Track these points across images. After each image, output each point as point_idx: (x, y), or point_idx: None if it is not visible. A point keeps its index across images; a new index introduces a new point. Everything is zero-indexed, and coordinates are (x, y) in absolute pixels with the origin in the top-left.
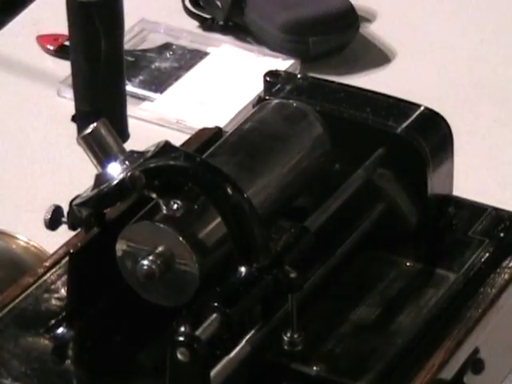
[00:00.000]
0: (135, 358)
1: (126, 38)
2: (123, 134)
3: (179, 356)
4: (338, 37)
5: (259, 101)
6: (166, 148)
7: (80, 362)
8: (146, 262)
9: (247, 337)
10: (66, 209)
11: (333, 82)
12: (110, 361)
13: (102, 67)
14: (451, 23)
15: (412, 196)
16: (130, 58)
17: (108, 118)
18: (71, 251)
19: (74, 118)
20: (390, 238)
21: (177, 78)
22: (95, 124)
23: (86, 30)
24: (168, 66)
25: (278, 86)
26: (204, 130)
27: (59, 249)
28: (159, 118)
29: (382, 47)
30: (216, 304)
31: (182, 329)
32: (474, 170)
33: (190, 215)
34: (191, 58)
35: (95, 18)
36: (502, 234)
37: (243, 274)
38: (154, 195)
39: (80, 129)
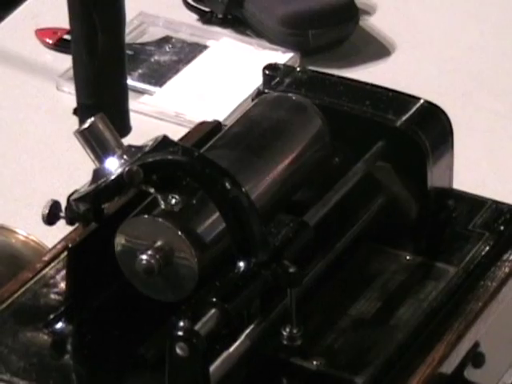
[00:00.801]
0: (134, 352)
1: (125, 31)
2: (125, 127)
3: (178, 351)
4: (337, 30)
5: (258, 94)
6: (164, 142)
7: (79, 356)
8: (144, 257)
9: (246, 332)
10: (64, 203)
11: (332, 75)
12: (108, 355)
13: (103, 60)
14: (451, 16)
15: (412, 189)
16: (129, 52)
17: (110, 111)
18: (70, 246)
19: (75, 112)
20: (389, 231)
21: (176, 72)
22: (92, 119)
23: (87, 24)
24: (167, 59)
25: (277, 79)
26: (203, 123)
27: (58, 243)
28: (158, 112)
29: (382, 40)
30: (215, 299)
31: (181, 324)
32: (474, 163)
33: (188, 210)
34: (190, 51)
35: (95, 11)
36: (502, 228)
37: (242, 268)
38: (152, 190)
39: (82, 122)
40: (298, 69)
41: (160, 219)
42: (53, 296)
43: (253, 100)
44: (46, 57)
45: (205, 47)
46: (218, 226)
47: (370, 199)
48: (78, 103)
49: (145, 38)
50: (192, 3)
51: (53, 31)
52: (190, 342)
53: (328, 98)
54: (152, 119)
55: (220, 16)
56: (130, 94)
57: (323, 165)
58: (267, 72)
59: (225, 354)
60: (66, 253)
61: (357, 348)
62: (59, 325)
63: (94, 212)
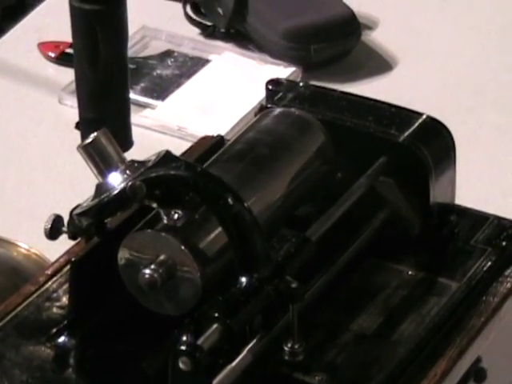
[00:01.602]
0: (137, 366)
1: (128, 45)
2: (127, 142)
3: (181, 365)
4: (339, 44)
5: (261, 109)
6: (166, 157)
7: (81, 370)
8: (147, 271)
9: (249, 346)
10: (66, 217)
11: (335, 90)
12: (111, 370)
13: (105, 74)
14: (453, 30)
15: (414, 204)
16: (131, 65)
17: (112, 125)
18: (72, 260)
19: (77, 126)
20: (392, 246)
21: (178, 86)
22: (96, 134)
23: (89, 38)
24: (169, 73)
25: (280, 94)
26: (205, 138)
27: (60, 257)
28: (161, 126)
29: (384, 55)
30: (217, 314)
31: (184, 338)
32: (477, 178)
33: (191, 224)
34: (193, 65)
35: (98, 25)
36: (504, 243)
37: (244, 284)
38: (154, 205)
39: (83, 136)
40: (301, 84)
41: (163, 233)
42: (55, 310)
43: (255, 115)
44: (48, 70)
45: (207, 61)
46: (221, 240)
47: (372, 214)
48: (80, 117)
49: (147, 52)
50: (194, 17)
51: (55, 45)
52: (193, 356)
53: (331, 113)
54: (154, 133)
55: (222, 30)
56: (132, 108)
57: (326, 180)
58: (270, 87)
59: (227, 369)
60: (68, 267)
61: (359, 363)
62: (62, 339)
63: (96, 226)
